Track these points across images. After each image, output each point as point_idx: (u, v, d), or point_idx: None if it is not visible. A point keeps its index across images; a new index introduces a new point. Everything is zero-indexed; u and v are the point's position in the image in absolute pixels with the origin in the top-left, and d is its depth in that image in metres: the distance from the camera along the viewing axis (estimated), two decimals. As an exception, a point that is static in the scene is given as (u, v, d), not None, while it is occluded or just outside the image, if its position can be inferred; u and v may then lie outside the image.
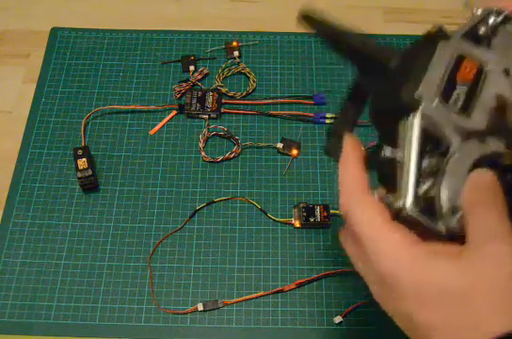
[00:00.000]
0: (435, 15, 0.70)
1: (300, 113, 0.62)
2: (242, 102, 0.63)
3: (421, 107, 0.28)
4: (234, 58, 0.65)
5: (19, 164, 0.59)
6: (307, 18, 0.36)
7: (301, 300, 0.52)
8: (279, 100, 0.63)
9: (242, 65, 0.65)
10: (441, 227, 0.27)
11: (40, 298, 0.52)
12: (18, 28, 0.69)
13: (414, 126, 0.28)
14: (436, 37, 0.31)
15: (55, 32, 0.68)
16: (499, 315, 0.24)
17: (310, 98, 0.63)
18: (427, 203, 0.27)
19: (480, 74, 0.29)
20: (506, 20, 0.32)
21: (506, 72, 0.29)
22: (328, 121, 0.61)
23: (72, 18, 0.69)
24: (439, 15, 0.70)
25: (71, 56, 0.66)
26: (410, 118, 0.29)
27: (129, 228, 0.55)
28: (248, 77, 0.64)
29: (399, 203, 0.27)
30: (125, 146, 0.60)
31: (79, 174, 0.56)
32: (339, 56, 0.36)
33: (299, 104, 0.63)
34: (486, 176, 0.28)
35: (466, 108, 0.29)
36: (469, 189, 0.27)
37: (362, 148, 0.31)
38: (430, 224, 0.27)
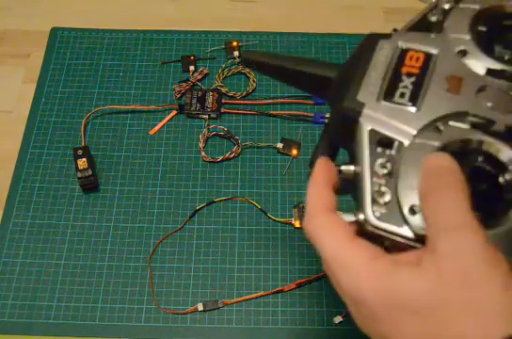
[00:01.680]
0: (435, 15, 0.70)
1: (300, 113, 0.62)
2: (242, 102, 0.63)
3: (364, 110, 0.27)
4: (234, 58, 0.65)
5: (19, 164, 0.59)
6: (248, 59, 0.36)
7: (301, 300, 0.52)
8: (279, 100, 0.63)
9: (242, 65, 0.65)
10: (409, 232, 0.25)
11: (40, 298, 0.52)
12: (18, 28, 0.69)
13: (362, 131, 0.27)
14: (376, 38, 0.30)
15: (55, 32, 0.68)
16: (474, 325, 0.21)
17: (310, 98, 0.63)
18: (392, 209, 0.26)
19: (429, 61, 0.28)
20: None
21: (462, 52, 0.29)
22: (328, 120, 0.61)
23: (72, 18, 0.69)
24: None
25: (71, 56, 0.66)
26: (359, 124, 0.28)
27: (129, 228, 0.55)
28: (248, 77, 0.64)
29: (360, 217, 0.26)
30: (125, 146, 0.60)
31: (79, 174, 0.56)
32: (288, 84, 0.37)
33: (299, 104, 0.63)
34: (440, 159, 0.25)
35: (415, 98, 0.27)
36: (423, 176, 0.25)
37: (335, 171, 0.29)
38: (397, 230, 0.25)
